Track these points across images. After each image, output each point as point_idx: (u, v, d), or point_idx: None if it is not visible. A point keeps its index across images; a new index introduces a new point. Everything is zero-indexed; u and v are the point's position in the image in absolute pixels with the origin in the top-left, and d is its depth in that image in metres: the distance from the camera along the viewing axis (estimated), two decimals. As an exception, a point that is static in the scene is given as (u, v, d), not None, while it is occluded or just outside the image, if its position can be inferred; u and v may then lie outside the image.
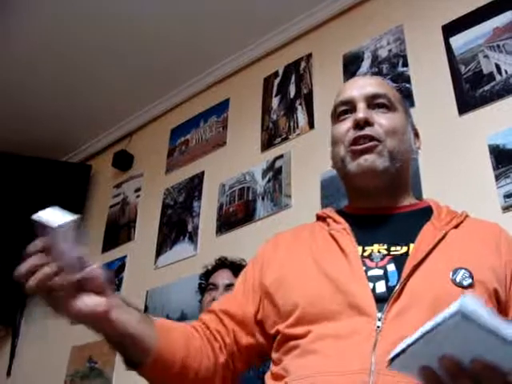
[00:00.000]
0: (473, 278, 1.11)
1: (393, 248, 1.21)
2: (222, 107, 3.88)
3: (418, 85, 2.83)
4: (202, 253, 3.32)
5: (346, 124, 1.34)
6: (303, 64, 3.49)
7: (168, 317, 3.30)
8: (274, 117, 3.46)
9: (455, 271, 1.12)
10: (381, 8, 3.21)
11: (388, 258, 1.19)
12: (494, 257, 1.19)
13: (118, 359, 3.47)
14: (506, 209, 2.24)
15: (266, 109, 3.55)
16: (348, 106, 1.37)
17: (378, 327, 1.06)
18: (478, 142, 2.45)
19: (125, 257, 3.92)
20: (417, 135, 1.46)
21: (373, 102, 1.35)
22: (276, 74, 3.63)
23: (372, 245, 1.23)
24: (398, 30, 3.06)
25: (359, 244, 1.23)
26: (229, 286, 2.41)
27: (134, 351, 1.12)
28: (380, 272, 1.16)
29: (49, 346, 4.11)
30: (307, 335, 1.13)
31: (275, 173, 3.22)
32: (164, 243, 3.68)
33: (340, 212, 1.38)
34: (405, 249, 1.20)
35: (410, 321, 1.04)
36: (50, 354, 4.05)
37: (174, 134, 4.15)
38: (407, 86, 2.85)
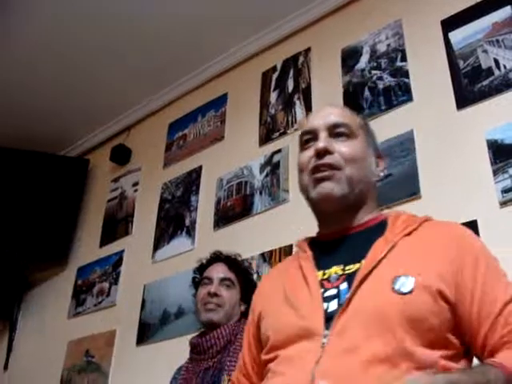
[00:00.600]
0: (414, 283, 1.17)
1: (347, 267, 1.29)
2: (220, 102, 3.87)
3: (416, 79, 2.83)
4: (200, 247, 3.32)
5: (309, 152, 1.42)
6: (301, 58, 3.48)
7: (165, 311, 3.30)
8: (272, 111, 3.46)
9: (395, 279, 1.19)
10: (379, 3, 3.21)
11: (343, 277, 1.28)
12: (442, 259, 1.24)
13: (115, 353, 3.49)
14: (503, 204, 2.25)
15: (264, 103, 3.54)
16: (311, 135, 1.45)
17: (323, 343, 1.16)
18: (476, 136, 2.45)
19: (122, 251, 3.92)
20: (380, 157, 1.51)
21: (334, 130, 1.42)
22: (274, 68, 3.63)
23: (331, 267, 1.31)
24: (396, 24, 3.05)
25: (321, 269, 1.33)
26: (223, 280, 2.41)
27: None
28: (334, 291, 1.26)
29: (46, 340, 4.12)
30: (275, 359, 1.27)
31: (273, 167, 3.22)
32: (162, 237, 3.67)
33: (312, 239, 1.48)
34: (357, 266, 1.27)
35: (351, 334, 1.14)
36: (47, 347, 4.06)
37: (172, 129, 4.15)
38: (406, 80, 2.85)
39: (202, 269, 2.52)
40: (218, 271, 2.44)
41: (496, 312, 1.18)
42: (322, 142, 1.39)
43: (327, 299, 1.24)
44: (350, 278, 1.25)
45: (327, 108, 1.53)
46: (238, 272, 2.46)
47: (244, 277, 2.48)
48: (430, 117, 2.67)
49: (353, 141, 1.42)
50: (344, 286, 1.25)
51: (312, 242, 1.46)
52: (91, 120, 4.61)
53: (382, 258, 1.24)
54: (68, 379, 3.73)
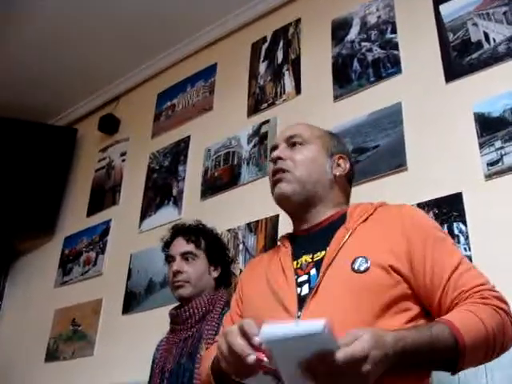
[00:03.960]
0: (369, 262, 1.36)
1: (315, 255, 1.49)
2: (210, 72, 3.85)
3: (405, 52, 2.82)
4: (187, 217, 3.30)
5: (271, 163, 1.69)
6: (292, 29, 3.46)
7: (151, 280, 3.31)
8: (261, 82, 3.44)
9: (354, 260, 1.38)
10: (371, -26, 3.18)
11: (312, 264, 1.48)
12: (393, 238, 1.43)
13: (101, 322, 3.50)
14: (488, 177, 2.25)
15: (253, 74, 3.53)
16: (275, 150, 1.70)
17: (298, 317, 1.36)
18: (464, 109, 2.45)
19: (109, 220, 3.92)
20: (343, 159, 1.71)
21: (289, 141, 1.68)
22: (264, 39, 3.60)
23: (302, 257, 1.52)
24: (387, -4, 3.03)
25: (295, 259, 1.54)
26: (184, 255, 2.40)
27: None
28: (305, 277, 1.45)
29: (33, 309, 4.13)
30: None
31: (261, 138, 3.21)
32: (149, 207, 3.68)
33: (291, 235, 1.70)
34: (323, 253, 1.47)
35: (321, 312, 1.25)
36: (33, 316, 4.07)
37: (161, 99, 4.12)
38: (395, 52, 2.84)
39: (167, 246, 2.52)
40: (177, 247, 2.43)
41: (446, 279, 1.35)
42: (277, 152, 1.66)
43: (300, 284, 1.44)
44: (317, 264, 1.45)
45: (290, 125, 1.77)
46: (197, 241, 2.43)
47: (207, 242, 2.46)
48: (418, 89, 2.67)
49: (305, 147, 1.66)
50: (313, 271, 1.45)
51: (291, 237, 1.67)
52: (80, 89, 4.58)
53: (343, 244, 1.44)
54: (54, 347, 3.75)
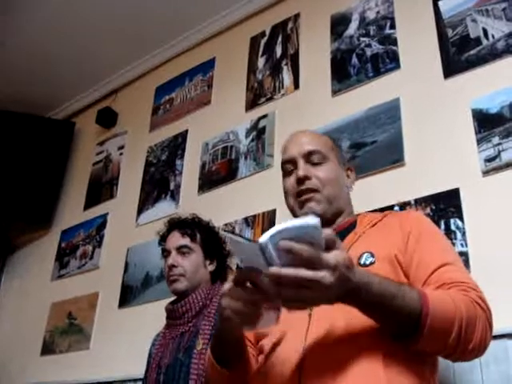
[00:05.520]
0: (374, 257, 1.44)
1: None
2: (208, 66, 3.85)
3: (404, 47, 2.81)
4: (184, 211, 3.28)
5: (292, 178, 1.70)
6: (290, 24, 3.45)
7: (148, 274, 3.31)
8: (260, 76, 3.44)
9: (360, 256, 1.46)
10: (370, -31, 3.18)
11: None
12: (396, 235, 1.50)
13: (97, 315, 3.50)
14: (486, 173, 2.25)
15: (252, 68, 3.52)
16: (290, 164, 1.72)
17: (310, 314, 1.40)
18: (462, 105, 2.45)
19: (107, 214, 3.92)
20: (349, 169, 1.81)
21: (309, 158, 1.70)
22: (263, 33, 3.60)
23: None
24: (386, -9, 3.03)
25: None
26: (179, 249, 2.40)
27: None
28: None
29: (29, 302, 4.13)
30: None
31: (259, 132, 3.21)
32: (146, 201, 3.67)
33: None
34: None
35: (331, 306, 1.24)
36: (30, 309, 4.08)
37: (159, 92, 4.12)
38: (394, 48, 2.83)
39: (163, 240, 2.51)
40: (173, 241, 2.42)
41: (429, 273, 1.39)
42: (301, 171, 1.66)
43: None
44: None
45: (300, 136, 1.77)
46: (193, 235, 2.43)
47: (202, 236, 2.45)
48: (416, 85, 2.67)
49: (326, 164, 1.70)
50: None
51: None
52: (78, 83, 4.58)
53: (352, 245, 1.51)
54: (51, 341, 3.75)
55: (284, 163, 1.76)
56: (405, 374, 1.28)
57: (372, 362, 1.28)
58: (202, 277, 2.39)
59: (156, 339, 2.41)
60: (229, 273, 2.57)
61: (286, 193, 1.74)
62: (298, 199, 1.67)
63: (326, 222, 1.62)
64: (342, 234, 1.58)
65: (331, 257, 1.10)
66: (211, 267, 2.44)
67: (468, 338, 1.25)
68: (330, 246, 1.12)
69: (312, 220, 1.08)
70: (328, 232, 1.12)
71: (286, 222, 1.10)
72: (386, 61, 2.83)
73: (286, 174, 1.75)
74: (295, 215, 1.69)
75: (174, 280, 2.36)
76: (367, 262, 1.42)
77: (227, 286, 1.25)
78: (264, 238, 1.08)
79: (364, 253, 1.45)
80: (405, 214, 1.66)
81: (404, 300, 1.21)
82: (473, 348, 1.26)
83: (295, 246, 1.07)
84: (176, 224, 2.49)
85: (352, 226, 1.63)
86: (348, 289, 1.14)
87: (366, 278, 1.18)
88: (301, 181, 1.66)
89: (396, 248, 1.45)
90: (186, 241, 2.41)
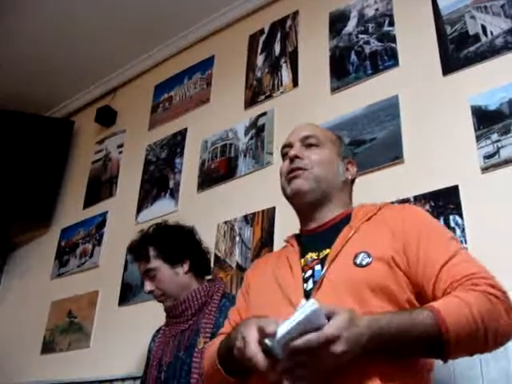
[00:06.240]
0: (371, 257, 1.42)
1: (321, 253, 1.55)
2: (207, 64, 3.85)
3: (403, 44, 2.81)
4: (183, 209, 3.33)
5: (287, 160, 1.75)
6: (289, 22, 3.45)
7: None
8: (259, 74, 3.44)
9: (356, 256, 1.45)
10: (369, -34, 3.17)
11: (316, 260, 1.54)
12: (393, 233, 1.49)
13: (97, 314, 3.50)
14: (485, 169, 2.25)
15: (251, 66, 3.52)
16: (288, 148, 1.78)
17: None
18: (461, 102, 2.45)
19: (106, 212, 3.92)
20: (351, 163, 1.82)
21: (305, 141, 1.75)
22: (262, 31, 3.60)
23: (308, 254, 1.59)
24: (385, -12, 3.03)
25: (302, 257, 1.60)
26: (147, 272, 2.34)
27: None
28: (310, 272, 1.52)
29: (29, 301, 4.13)
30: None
31: (258, 130, 3.21)
32: (145, 199, 3.67)
33: (297, 235, 1.77)
34: (328, 250, 1.53)
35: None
36: (30, 308, 4.07)
37: (158, 91, 4.12)
38: (392, 45, 2.83)
39: None
40: (140, 268, 2.37)
41: (437, 270, 1.38)
42: (294, 150, 1.72)
43: (306, 280, 1.50)
44: (322, 260, 1.52)
45: (302, 125, 1.84)
46: (145, 256, 2.35)
47: (157, 248, 2.36)
48: (415, 82, 2.67)
49: (321, 149, 1.74)
50: (318, 267, 1.51)
51: (297, 236, 1.75)
52: (77, 81, 4.57)
53: (347, 241, 1.51)
54: (51, 339, 3.75)
55: (282, 148, 1.82)
56: None
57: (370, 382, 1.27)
58: (181, 283, 2.33)
59: (156, 335, 2.41)
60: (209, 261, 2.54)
61: (280, 175, 1.78)
62: (288, 176, 1.72)
63: (312, 203, 1.69)
64: (338, 226, 1.60)
65: (333, 328, 1.15)
66: (185, 267, 2.36)
67: (497, 332, 1.28)
68: (330, 316, 1.17)
69: (311, 306, 1.13)
70: (326, 308, 1.18)
71: (289, 319, 1.15)
72: (385, 58, 2.83)
73: (283, 158, 1.81)
74: (286, 196, 1.75)
75: (160, 301, 2.36)
76: (363, 263, 1.42)
77: None
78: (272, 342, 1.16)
79: (360, 252, 1.45)
80: (400, 209, 1.66)
81: (420, 325, 1.24)
82: (503, 334, 1.30)
83: (301, 346, 1.14)
84: (132, 253, 2.45)
85: (348, 219, 1.63)
86: (363, 343, 1.18)
87: (375, 325, 1.21)
88: (292, 160, 1.71)
89: (392, 249, 1.44)
90: (145, 265, 2.35)
